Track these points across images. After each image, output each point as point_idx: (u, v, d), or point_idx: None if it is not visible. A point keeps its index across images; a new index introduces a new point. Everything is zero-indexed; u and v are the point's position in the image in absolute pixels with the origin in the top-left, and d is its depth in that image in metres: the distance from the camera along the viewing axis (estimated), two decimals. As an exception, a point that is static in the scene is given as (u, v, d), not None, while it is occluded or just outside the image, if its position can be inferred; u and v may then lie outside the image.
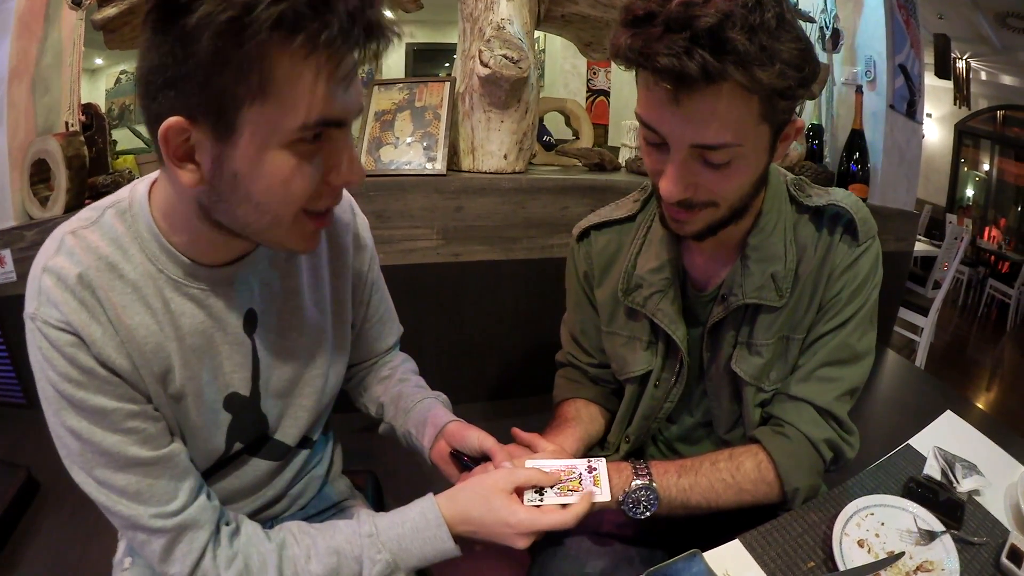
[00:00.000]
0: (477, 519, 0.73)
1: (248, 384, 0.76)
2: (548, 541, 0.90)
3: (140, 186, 0.67)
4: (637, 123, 0.75)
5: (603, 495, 0.78)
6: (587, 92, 3.81)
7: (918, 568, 0.73)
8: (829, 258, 0.84)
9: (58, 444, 0.64)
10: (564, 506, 0.75)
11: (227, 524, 0.71)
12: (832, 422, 0.86)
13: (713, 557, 0.74)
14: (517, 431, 0.90)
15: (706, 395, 0.96)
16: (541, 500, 0.76)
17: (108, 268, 0.63)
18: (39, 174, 1.70)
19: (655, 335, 0.94)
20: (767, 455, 0.85)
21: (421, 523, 0.73)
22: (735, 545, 0.77)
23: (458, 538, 0.74)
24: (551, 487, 0.78)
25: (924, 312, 3.39)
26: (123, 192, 0.67)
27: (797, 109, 0.76)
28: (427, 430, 0.88)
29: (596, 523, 0.93)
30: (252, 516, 0.80)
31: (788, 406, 0.88)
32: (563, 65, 3.84)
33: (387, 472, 1.18)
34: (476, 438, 0.83)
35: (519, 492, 0.76)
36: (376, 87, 1.92)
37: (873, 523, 0.78)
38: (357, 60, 0.55)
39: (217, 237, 0.64)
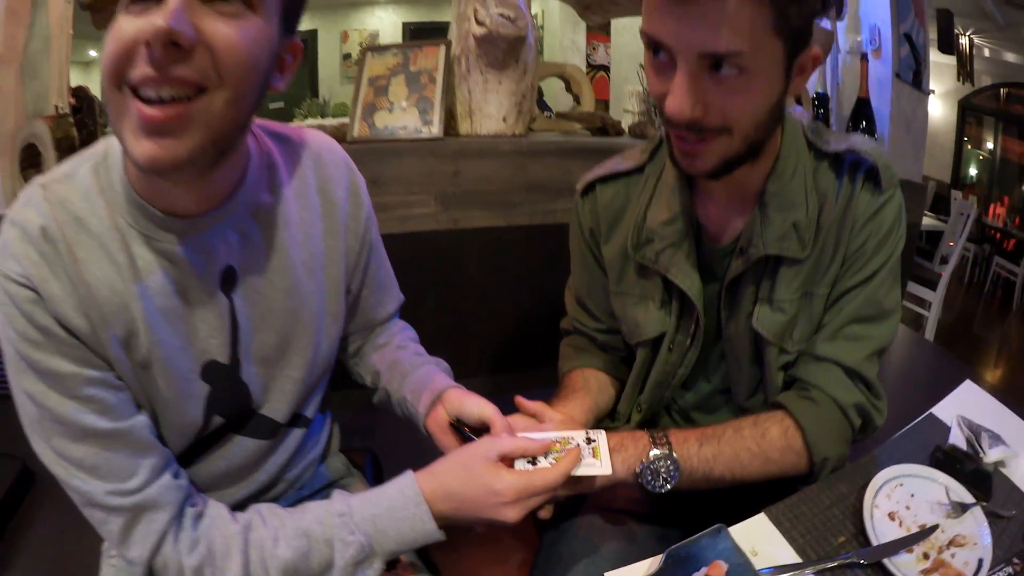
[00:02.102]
0: (459, 491, 0.67)
1: (227, 350, 0.70)
2: (556, 521, 0.84)
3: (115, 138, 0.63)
4: (640, 87, 0.71)
5: (603, 467, 0.72)
6: (587, 67, 3.75)
7: (951, 543, 0.69)
8: (852, 207, 0.79)
9: (20, 412, 0.61)
10: None
11: (192, 506, 0.66)
12: (861, 384, 0.82)
13: (738, 532, 0.69)
14: (521, 400, 0.83)
15: (724, 359, 0.91)
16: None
17: (75, 222, 0.60)
18: (29, 159, 1.68)
19: (668, 293, 0.89)
20: (794, 421, 0.80)
21: (398, 501, 0.67)
22: (760, 519, 0.72)
23: (444, 521, 0.67)
24: (544, 456, 0.71)
25: (932, 286, 3.34)
26: (100, 144, 0.64)
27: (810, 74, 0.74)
28: (424, 396, 0.82)
29: (608, 500, 0.88)
30: (246, 503, 0.75)
31: (814, 367, 0.83)
32: (562, 40, 3.80)
33: (387, 450, 1.12)
34: (476, 406, 0.77)
35: (508, 463, 0.70)
36: (369, 53, 1.87)
37: (903, 494, 0.74)
38: None
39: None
